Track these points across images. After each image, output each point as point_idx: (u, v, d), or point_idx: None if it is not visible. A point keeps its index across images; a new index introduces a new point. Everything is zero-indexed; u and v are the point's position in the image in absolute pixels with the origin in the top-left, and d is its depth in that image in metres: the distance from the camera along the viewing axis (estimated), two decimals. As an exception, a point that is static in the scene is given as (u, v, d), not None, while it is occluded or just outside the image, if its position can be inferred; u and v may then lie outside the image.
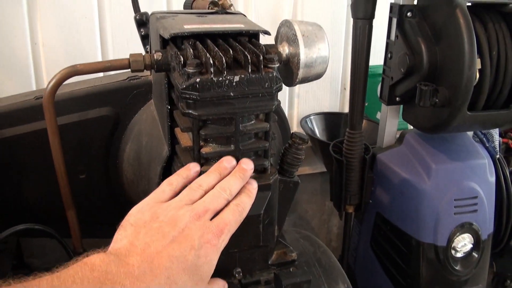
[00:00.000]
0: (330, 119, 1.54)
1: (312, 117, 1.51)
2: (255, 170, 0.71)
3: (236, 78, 0.63)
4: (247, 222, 0.70)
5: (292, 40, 0.74)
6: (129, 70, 0.71)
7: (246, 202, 0.65)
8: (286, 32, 0.77)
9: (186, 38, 0.70)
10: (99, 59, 1.30)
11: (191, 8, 1.03)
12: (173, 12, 0.82)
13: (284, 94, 1.57)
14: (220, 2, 1.04)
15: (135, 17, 1.00)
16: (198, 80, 0.62)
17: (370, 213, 1.15)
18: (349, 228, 1.20)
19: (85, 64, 0.70)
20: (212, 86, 0.62)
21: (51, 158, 0.79)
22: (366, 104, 1.68)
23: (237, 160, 0.68)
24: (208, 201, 0.62)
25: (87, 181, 0.91)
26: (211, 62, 0.62)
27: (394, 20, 1.03)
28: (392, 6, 1.03)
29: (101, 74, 1.03)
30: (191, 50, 0.66)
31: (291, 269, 0.79)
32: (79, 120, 0.85)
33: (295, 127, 1.57)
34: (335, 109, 1.61)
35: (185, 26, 0.71)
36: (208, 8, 1.00)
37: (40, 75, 1.27)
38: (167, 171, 0.80)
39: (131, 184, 0.90)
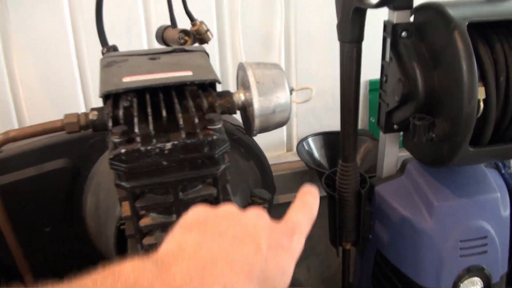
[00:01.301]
0: (331, 139, 1.43)
1: (310, 139, 1.41)
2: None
3: (168, 146, 0.55)
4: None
5: (247, 87, 0.66)
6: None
7: (312, 201, 0.53)
8: (242, 77, 0.68)
9: (125, 93, 0.62)
10: (79, 91, 1.25)
11: (162, 38, 0.95)
12: (125, 55, 0.75)
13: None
14: (194, 29, 0.96)
15: (102, 51, 0.93)
16: (123, 151, 0.54)
17: (371, 248, 1.05)
18: (347, 265, 1.10)
19: (18, 130, 0.65)
20: (140, 156, 0.55)
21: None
22: (372, 120, 1.57)
23: None
24: None
25: (52, 234, 0.86)
26: (137, 130, 0.55)
27: (388, 40, 0.92)
28: (385, 25, 0.92)
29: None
30: (121, 112, 0.59)
31: None
32: (37, 173, 0.80)
33: (295, 149, 1.47)
34: (338, 127, 1.50)
35: (124, 79, 0.63)
36: (179, 38, 0.93)
37: (21, 112, 1.24)
38: (123, 231, 0.73)
39: (95, 238, 0.84)
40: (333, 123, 1.48)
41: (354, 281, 1.18)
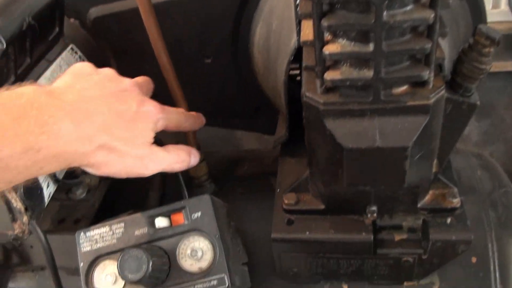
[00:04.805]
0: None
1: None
2: (409, 83, 0.48)
3: None
4: (386, 156, 0.50)
5: None
6: None
7: (191, 120, 0.66)
8: None
9: None
10: None
11: None
12: None
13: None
14: None
15: None
16: None
17: None
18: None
19: None
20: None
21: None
22: None
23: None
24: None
25: (213, 67, 0.77)
26: None
27: None
28: None
29: None
30: None
31: (448, 220, 0.57)
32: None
33: (503, 5, 1.17)
34: None
35: None
36: None
37: None
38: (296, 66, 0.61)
39: (262, 76, 0.73)
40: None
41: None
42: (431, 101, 0.47)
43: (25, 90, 0.48)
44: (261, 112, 0.82)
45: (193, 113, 0.68)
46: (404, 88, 0.48)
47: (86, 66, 0.57)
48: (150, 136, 0.57)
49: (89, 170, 0.53)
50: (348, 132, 0.49)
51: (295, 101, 0.56)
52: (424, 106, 0.48)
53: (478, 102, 0.51)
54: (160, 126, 0.59)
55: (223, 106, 0.81)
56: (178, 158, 0.60)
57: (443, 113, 0.51)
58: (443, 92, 0.49)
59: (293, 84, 0.63)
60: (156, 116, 0.57)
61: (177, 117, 0.63)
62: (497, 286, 0.61)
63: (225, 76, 0.77)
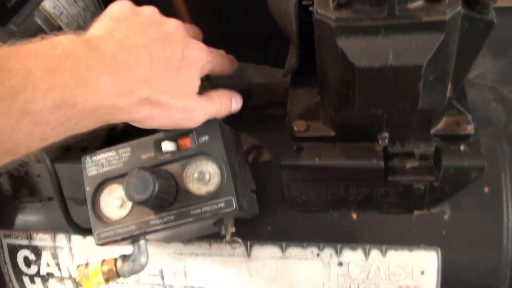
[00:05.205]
0: None
1: None
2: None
3: None
4: (399, 75, 0.48)
5: None
6: None
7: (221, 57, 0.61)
8: None
9: None
10: None
11: None
12: None
13: None
14: None
15: None
16: None
17: None
18: None
19: None
20: None
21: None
22: None
23: None
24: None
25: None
26: None
27: None
28: None
29: None
30: None
31: (461, 147, 0.56)
32: None
33: None
34: None
35: None
36: None
37: None
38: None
39: (273, 0, 0.70)
40: None
41: None
42: (447, 16, 0.45)
43: (61, 40, 0.44)
44: (272, 44, 0.80)
45: (230, 55, 0.64)
46: (419, 2, 0.46)
47: (125, 6, 0.52)
48: (196, 85, 0.54)
49: (133, 125, 0.51)
50: (360, 50, 0.48)
51: (306, 31, 0.54)
52: (440, 22, 0.46)
53: (495, 20, 0.49)
54: (205, 71, 0.56)
55: (233, 36, 0.79)
56: (221, 107, 0.58)
57: (459, 31, 0.49)
58: (459, 7, 0.46)
59: (304, 14, 0.60)
60: (203, 60, 0.55)
61: (221, 60, 0.60)
62: (509, 216, 0.60)
63: (235, 2, 0.74)
